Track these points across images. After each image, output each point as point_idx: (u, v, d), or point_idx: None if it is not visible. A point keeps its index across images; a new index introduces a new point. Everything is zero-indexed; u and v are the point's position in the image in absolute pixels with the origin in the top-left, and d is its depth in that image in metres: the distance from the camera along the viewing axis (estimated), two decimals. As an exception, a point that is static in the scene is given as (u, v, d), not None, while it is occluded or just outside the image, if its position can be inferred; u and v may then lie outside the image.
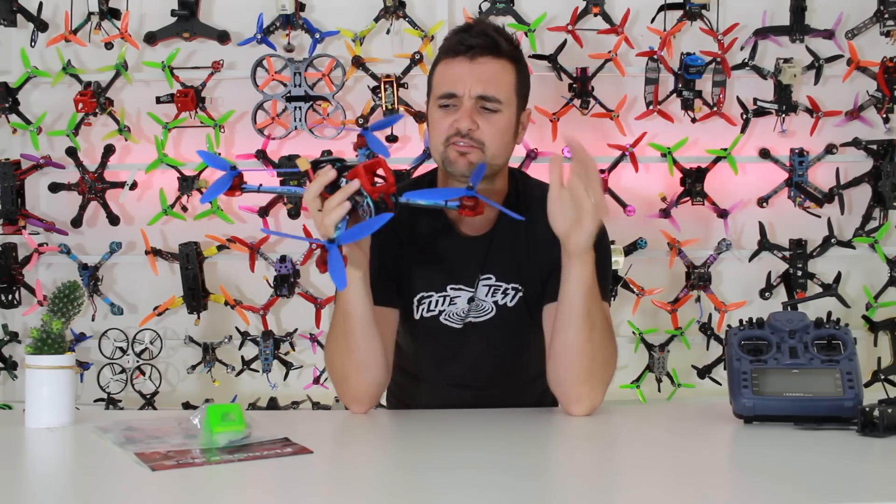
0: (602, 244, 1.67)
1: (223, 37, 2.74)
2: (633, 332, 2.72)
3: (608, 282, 1.70)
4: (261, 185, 1.53)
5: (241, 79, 2.73)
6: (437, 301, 1.68)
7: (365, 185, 1.39)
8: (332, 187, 1.42)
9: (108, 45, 2.73)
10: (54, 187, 2.77)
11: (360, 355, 1.56)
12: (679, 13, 2.68)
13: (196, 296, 2.72)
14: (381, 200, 1.40)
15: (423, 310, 1.68)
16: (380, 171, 1.44)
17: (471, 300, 1.67)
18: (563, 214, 1.46)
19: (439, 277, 1.67)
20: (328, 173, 1.41)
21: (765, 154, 2.69)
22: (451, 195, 1.46)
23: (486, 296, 1.67)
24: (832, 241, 2.68)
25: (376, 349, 1.57)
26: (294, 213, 2.71)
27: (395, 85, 2.66)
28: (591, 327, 1.52)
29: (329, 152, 2.64)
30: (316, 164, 1.44)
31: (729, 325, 1.56)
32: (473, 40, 1.56)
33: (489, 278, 1.67)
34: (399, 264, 1.67)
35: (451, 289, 1.67)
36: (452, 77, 1.57)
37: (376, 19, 2.71)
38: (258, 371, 2.76)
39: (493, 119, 1.58)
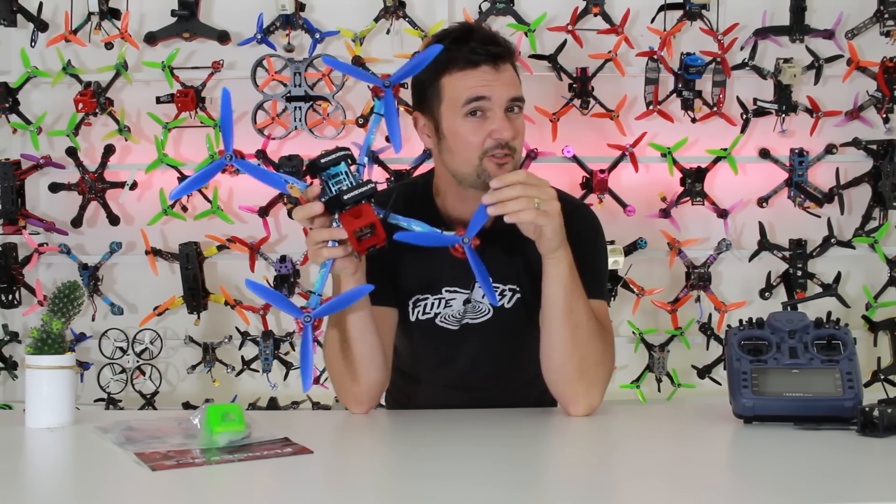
0: (596, 241, 1.67)
1: (223, 37, 2.74)
2: (633, 332, 2.72)
3: (603, 279, 1.70)
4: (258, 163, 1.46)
5: (241, 79, 2.73)
6: (432, 303, 1.68)
7: (354, 247, 1.36)
8: (330, 201, 1.37)
9: (108, 45, 2.73)
10: (54, 187, 2.77)
11: (358, 354, 1.56)
12: (679, 13, 2.68)
13: (196, 296, 2.72)
14: (373, 248, 1.37)
15: (418, 312, 1.68)
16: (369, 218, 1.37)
17: (467, 302, 1.67)
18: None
19: (434, 279, 1.67)
20: (315, 207, 1.36)
21: (765, 154, 2.69)
22: (443, 242, 1.42)
23: (483, 297, 1.67)
24: (832, 241, 2.68)
25: (373, 348, 1.57)
26: (294, 213, 2.71)
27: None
28: (574, 326, 1.52)
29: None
30: (315, 168, 1.37)
31: (729, 325, 1.56)
32: (494, 48, 1.54)
33: None
34: (394, 266, 1.66)
35: (447, 291, 1.67)
36: (481, 84, 1.53)
37: (376, 19, 2.71)
38: (258, 371, 2.76)
39: (518, 122, 1.57)
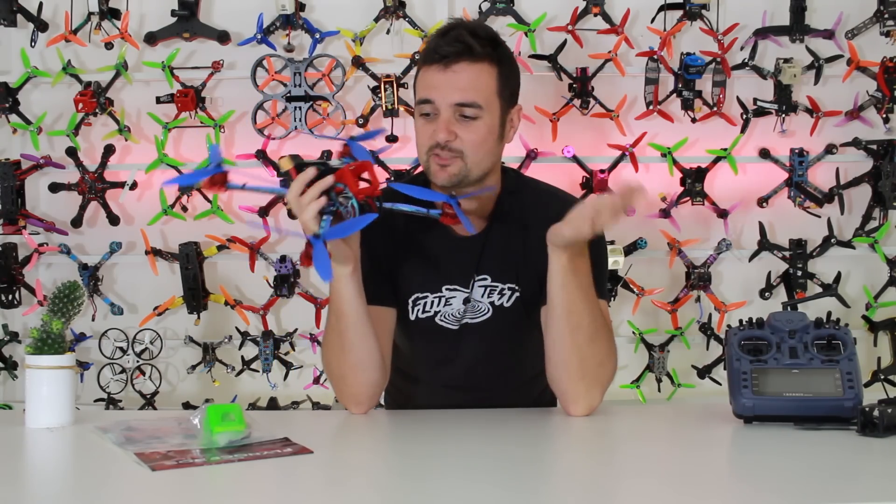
0: (596, 242, 1.67)
1: (223, 37, 2.74)
2: (633, 332, 2.72)
3: (603, 279, 1.70)
4: (245, 183, 1.49)
5: (241, 79, 2.73)
6: (432, 302, 1.68)
7: (351, 186, 1.40)
8: (321, 171, 1.43)
9: (108, 45, 2.73)
10: (54, 187, 2.77)
11: (356, 355, 1.56)
12: (679, 13, 2.68)
13: (196, 296, 2.72)
14: (366, 203, 1.41)
15: (418, 311, 1.68)
16: (365, 175, 1.44)
17: (466, 301, 1.67)
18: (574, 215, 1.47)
19: (434, 278, 1.67)
20: (309, 172, 1.41)
21: (765, 154, 2.69)
22: (433, 197, 1.47)
23: (482, 296, 1.67)
24: (832, 241, 2.68)
25: (371, 348, 1.57)
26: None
27: (395, 85, 2.65)
28: (574, 327, 1.53)
29: (329, 153, 2.64)
30: (300, 166, 1.43)
31: (729, 325, 1.56)
32: (446, 48, 1.55)
33: (485, 279, 1.67)
34: (393, 264, 1.67)
35: (447, 289, 1.67)
36: (428, 86, 1.57)
37: (376, 19, 2.71)
38: (258, 371, 2.76)
39: (473, 126, 1.56)
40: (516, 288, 1.67)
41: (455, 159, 1.56)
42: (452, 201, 1.45)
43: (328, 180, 1.40)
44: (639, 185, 1.45)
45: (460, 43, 1.55)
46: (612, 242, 2.60)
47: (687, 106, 2.69)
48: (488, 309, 1.68)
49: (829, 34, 2.68)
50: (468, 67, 1.55)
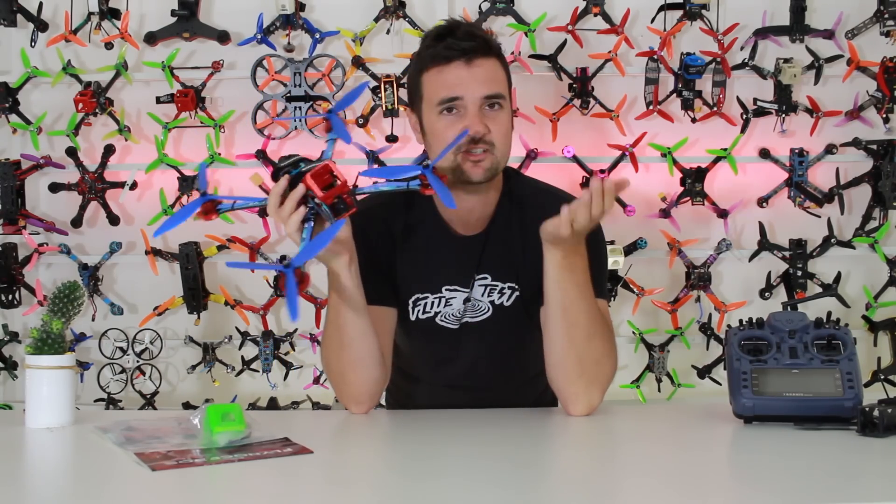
0: (595, 241, 1.67)
1: (223, 37, 2.74)
2: (633, 332, 2.72)
3: (603, 278, 1.70)
4: (235, 201, 1.51)
5: (241, 79, 2.73)
6: (432, 302, 1.68)
7: (317, 193, 1.38)
8: (294, 178, 1.42)
9: (108, 45, 2.73)
10: (54, 187, 2.77)
11: (355, 351, 1.56)
12: (679, 13, 2.68)
13: (196, 296, 2.72)
14: (340, 201, 1.40)
15: (418, 311, 1.68)
16: (333, 172, 1.42)
17: (466, 300, 1.67)
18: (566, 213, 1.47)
19: (434, 278, 1.67)
20: (280, 184, 1.41)
21: (765, 154, 2.69)
22: (407, 172, 1.46)
23: (483, 296, 1.67)
24: (832, 241, 2.68)
25: (371, 345, 1.57)
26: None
27: (395, 85, 2.65)
28: (570, 325, 1.53)
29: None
30: (277, 172, 1.43)
31: (729, 325, 1.56)
32: (467, 43, 1.56)
33: (485, 278, 1.67)
34: (393, 265, 1.67)
35: (447, 289, 1.67)
36: (452, 82, 1.56)
37: (376, 19, 2.71)
38: (258, 371, 2.76)
39: (499, 118, 1.58)
40: (516, 287, 1.67)
41: (487, 153, 1.57)
42: (427, 171, 1.44)
43: (300, 190, 1.39)
44: (619, 183, 1.46)
45: (478, 38, 1.57)
46: (612, 242, 2.60)
47: (687, 106, 2.69)
48: (488, 308, 1.68)
49: (829, 34, 2.68)
50: (487, 61, 1.57)
